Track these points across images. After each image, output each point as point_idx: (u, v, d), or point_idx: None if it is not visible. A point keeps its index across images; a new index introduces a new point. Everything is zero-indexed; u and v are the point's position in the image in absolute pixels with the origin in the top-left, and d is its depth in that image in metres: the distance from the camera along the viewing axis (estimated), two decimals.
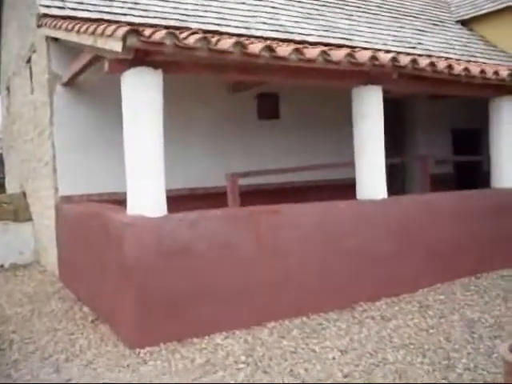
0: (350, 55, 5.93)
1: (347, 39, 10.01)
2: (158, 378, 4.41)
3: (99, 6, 7.72)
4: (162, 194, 5.26)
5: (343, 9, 11.42)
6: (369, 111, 6.56)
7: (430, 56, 10.01)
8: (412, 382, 4.12)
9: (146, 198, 5.20)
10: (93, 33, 5.36)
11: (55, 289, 7.43)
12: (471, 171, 12.30)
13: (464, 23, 13.71)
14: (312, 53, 5.70)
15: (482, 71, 7.09)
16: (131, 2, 8.17)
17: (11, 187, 12.56)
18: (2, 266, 9.20)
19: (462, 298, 6.27)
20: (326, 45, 8.18)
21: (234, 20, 8.96)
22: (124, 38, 4.66)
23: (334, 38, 9.84)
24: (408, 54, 8.73)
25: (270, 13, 9.76)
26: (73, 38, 6.11)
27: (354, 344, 4.95)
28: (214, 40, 5.12)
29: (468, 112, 11.73)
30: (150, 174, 5.18)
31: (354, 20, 11.13)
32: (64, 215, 7.37)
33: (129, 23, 6.65)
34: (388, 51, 8.50)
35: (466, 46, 12.46)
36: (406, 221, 6.78)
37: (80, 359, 4.88)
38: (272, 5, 10.15)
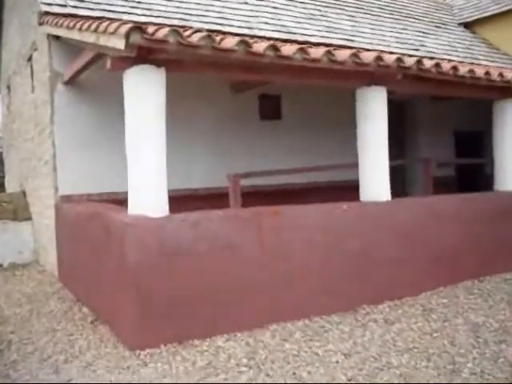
0: (355, 55, 5.87)
1: (350, 40, 9.95)
2: (158, 380, 4.34)
3: (101, 4, 7.66)
4: (163, 193, 5.19)
5: (345, 10, 11.38)
6: (373, 112, 6.50)
7: (432, 58, 9.95)
8: None
9: (148, 197, 5.14)
10: (95, 30, 5.30)
11: (54, 289, 7.35)
12: (473, 174, 12.26)
13: (467, 26, 13.67)
14: (317, 52, 5.64)
15: (487, 73, 7.04)
16: (134, 1, 8.12)
17: (11, 186, 12.50)
18: (1, 265, 9.12)
19: (465, 302, 6.20)
20: (328, 46, 8.11)
21: (237, 20, 8.91)
22: (127, 35, 4.59)
23: (336, 38, 9.79)
24: (411, 55, 8.67)
25: (272, 13, 9.71)
26: (75, 35, 6.05)
27: (357, 347, 4.88)
28: (218, 38, 5.05)
29: (471, 114, 11.70)
30: (152, 174, 5.11)
31: (357, 21, 11.08)
32: (64, 215, 7.31)
33: (131, 22, 6.59)
34: (391, 53, 8.43)
35: (469, 49, 12.42)
36: (409, 223, 6.71)
37: (79, 360, 4.81)
38: (274, 5, 10.10)
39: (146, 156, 5.08)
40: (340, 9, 11.30)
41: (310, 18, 10.22)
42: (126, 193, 5.37)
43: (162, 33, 4.75)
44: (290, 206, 6.01)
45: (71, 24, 6.14)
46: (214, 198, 7.33)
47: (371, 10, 11.97)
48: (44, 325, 5.86)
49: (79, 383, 4.37)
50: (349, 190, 7.08)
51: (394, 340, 5.05)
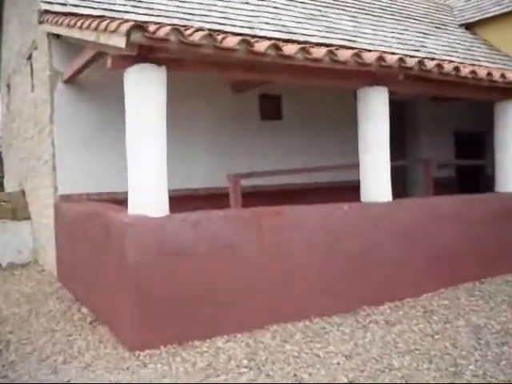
0: (357, 55, 5.84)
1: (350, 41, 9.93)
2: (158, 381, 4.30)
3: (102, 3, 7.64)
4: (164, 193, 5.16)
5: (346, 10, 11.36)
6: (374, 112, 6.47)
7: (433, 59, 9.92)
8: None
9: (148, 197, 5.10)
10: (96, 28, 5.26)
11: (53, 289, 7.32)
12: (474, 175, 12.24)
13: (467, 27, 13.65)
14: (318, 52, 5.61)
15: (489, 74, 7.01)
16: (135, 0, 8.09)
17: (10, 186, 12.46)
18: (0, 265, 9.08)
19: (466, 304, 6.17)
20: (328, 46, 8.07)
21: (239, 20, 8.88)
22: (128, 34, 4.56)
23: (337, 39, 9.76)
24: (412, 56, 8.64)
25: (272, 13, 9.69)
26: (75, 34, 6.02)
27: (358, 349, 4.85)
28: (219, 37, 5.02)
29: (471, 115, 11.68)
30: (153, 173, 5.08)
31: (358, 22, 11.06)
32: (63, 214, 7.27)
33: (132, 20, 6.55)
34: (392, 53, 8.40)
35: (470, 50, 12.40)
36: (410, 224, 6.68)
37: (78, 361, 4.77)
38: (274, 5, 10.08)
39: (146, 155, 5.04)
40: (340, 9, 11.29)
41: (311, 19, 10.20)
42: (126, 193, 5.34)
43: (163, 31, 4.72)
44: (291, 207, 5.98)
45: (72, 22, 6.11)
46: (214, 198, 7.30)
47: (372, 11, 11.96)
48: (43, 325, 5.82)
49: (78, 383, 4.33)
50: (349, 191, 7.06)
51: (395, 342, 5.02)
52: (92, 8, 7.40)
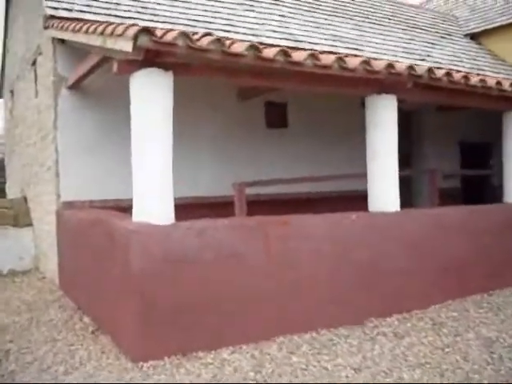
0: (366, 63, 5.76)
1: (357, 49, 9.87)
2: None
3: (107, 9, 7.61)
4: (169, 200, 5.05)
5: (352, 19, 11.33)
6: (382, 120, 6.38)
7: (439, 68, 9.85)
8: None
9: (153, 204, 5.00)
10: (102, 33, 5.18)
11: (55, 297, 7.20)
12: (479, 185, 12.14)
13: (472, 37, 13.63)
14: (327, 59, 5.53)
15: (498, 82, 6.94)
16: (140, 6, 8.06)
17: (12, 192, 12.37)
18: (1, 272, 8.97)
19: (476, 316, 6.05)
20: (335, 54, 8.03)
21: (243, 27, 8.83)
22: (135, 38, 4.47)
23: (343, 47, 9.71)
24: (417, 65, 8.54)
25: (278, 21, 9.65)
26: (80, 38, 5.94)
27: (367, 362, 4.73)
28: (227, 42, 4.94)
29: (477, 125, 11.62)
30: (158, 179, 4.98)
31: (364, 31, 11.02)
32: (65, 221, 7.17)
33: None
34: (398, 63, 8.33)
35: (475, 60, 12.35)
36: (418, 234, 6.57)
37: (80, 372, 4.65)
38: (280, 13, 10.04)
39: (151, 161, 4.94)
40: (347, 18, 11.26)
41: (317, 27, 10.15)
42: (130, 200, 5.24)
43: (170, 36, 4.64)
44: (298, 216, 5.89)
45: (77, 27, 6.04)
46: (219, 206, 7.22)
47: (378, 20, 11.93)
48: (44, 334, 5.70)
49: None
50: (356, 200, 6.96)
51: (405, 355, 4.90)
52: (97, 14, 7.36)
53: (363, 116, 6.65)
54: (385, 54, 10.25)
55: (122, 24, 5.01)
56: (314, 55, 5.41)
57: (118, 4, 7.84)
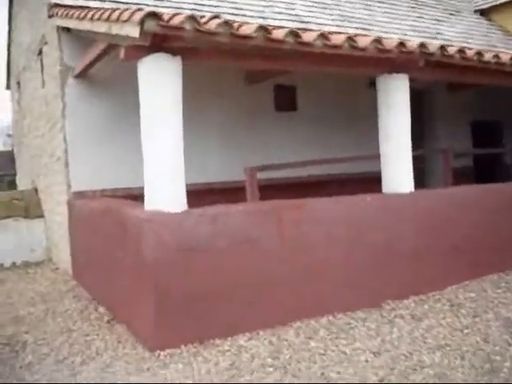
0: (377, 41, 5.64)
1: (365, 29, 9.70)
2: (180, 382, 4.15)
3: None
4: (181, 187, 4.99)
5: None
6: (395, 101, 6.26)
7: (450, 46, 9.69)
8: None
9: (165, 191, 4.94)
10: (107, 19, 5.10)
11: (69, 287, 7.19)
12: (491, 164, 11.99)
13: (482, 13, 13.36)
14: (338, 38, 5.42)
15: None
16: None
17: (22, 183, 12.36)
18: (14, 263, 8.98)
19: (494, 296, 5.96)
20: (344, 35, 7.89)
21: (250, 10, 8.69)
22: (141, 22, 4.39)
23: (351, 28, 9.54)
24: (429, 43, 8.40)
25: (285, 3, 9.49)
26: (86, 26, 5.86)
27: (386, 345, 4.67)
28: (235, 25, 4.84)
29: (488, 104, 11.43)
30: (169, 167, 4.91)
31: (371, 10, 10.82)
32: (77, 211, 7.14)
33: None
34: (409, 41, 8.19)
35: (486, 36, 12.13)
36: (433, 215, 6.48)
37: (97, 362, 4.63)
38: None
39: (162, 147, 4.88)
40: None
41: (325, 8, 9.99)
42: (141, 188, 5.19)
43: (177, 19, 4.54)
44: (312, 199, 5.81)
45: (82, 14, 5.95)
46: (229, 192, 7.13)
47: None
48: (59, 325, 5.69)
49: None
50: (367, 182, 6.88)
51: (424, 337, 4.83)
52: (102, 1, 7.25)
53: (372, 97, 6.53)
54: (394, 33, 10.06)
55: (127, 9, 4.91)
56: (323, 35, 5.31)
57: None
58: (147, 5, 7.49)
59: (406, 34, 10.18)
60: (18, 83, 11.93)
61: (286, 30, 5.16)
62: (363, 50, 5.59)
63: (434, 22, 11.69)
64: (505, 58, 6.73)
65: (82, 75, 7.13)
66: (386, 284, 5.95)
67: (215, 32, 4.69)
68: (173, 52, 4.81)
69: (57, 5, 7.00)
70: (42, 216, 9.52)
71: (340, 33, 8.17)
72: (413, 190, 6.42)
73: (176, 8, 7.76)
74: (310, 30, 8.29)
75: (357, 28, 9.57)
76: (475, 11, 13.36)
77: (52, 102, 7.97)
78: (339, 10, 10.18)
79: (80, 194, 7.20)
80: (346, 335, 4.95)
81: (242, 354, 4.59)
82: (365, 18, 10.24)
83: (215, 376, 4.20)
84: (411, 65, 6.20)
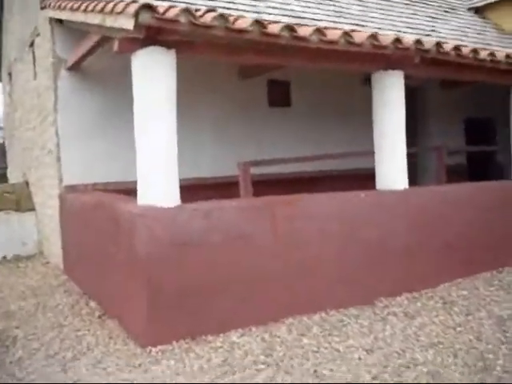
0: (373, 37, 5.62)
1: (360, 25, 9.65)
2: (172, 379, 4.11)
3: None
4: (175, 182, 4.95)
5: None
6: (390, 98, 6.24)
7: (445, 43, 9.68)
8: None
9: (158, 186, 4.89)
10: (101, 10, 5.03)
11: (60, 281, 7.13)
12: (484, 162, 12.01)
13: (477, 10, 13.34)
14: (334, 34, 5.40)
15: (508, 56, 6.78)
16: None
17: (13, 177, 12.26)
18: (5, 257, 8.90)
19: (486, 294, 5.97)
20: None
21: (243, 4, 8.62)
22: (136, 15, 4.33)
23: (346, 23, 9.49)
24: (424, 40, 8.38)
25: None
26: (79, 17, 5.78)
27: (379, 343, 4.66)
28: (231, 18, 4.79)
29: (481, 101, 11.44)
30: (163, 162, 4.86)
31: (366, 6, 10.77)
32: (68, 205, 7.07)
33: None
34: (405, 37, 8.16)
35: (480, 34, 12.10)
36: (426, 212, 6.47)
37: (88, 358, 4.59)
38: None
39: (156, 142, 4.83)
40: None
41: (319, 3, 9.91)
42: (134, 182, 5.14)
43: (173, 12, 4.49)
44: (305, 195, 5.78)
45: (75, 6, 5.87)
46: (222, 187, 7.10)
47: None
48: (50, 319, 5.64)
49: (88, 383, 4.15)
50: (360, 179, 6.84)
51: (417, 335, 4.83)
52: None
53: (366, 93, 6.50)
54: (389, 29, 10.02)
55: (122, 1, 4.84)
56: (319, 30, 5.28)
57: None
58: None
59: (400, 31, 10.13)
60: (10, 75, 11.82)
61: (282, 24, 5.12)
62: (359, 45, 5.56)
63: (428, 19, 11.65)
64: (500, 55, 6.72)
65: (75, 68, 7.05)
66: (379, 281, 5.94)
67: (210, 25, 4.65)
68: (167, 45, 4.76)
69: None
70: (33, 209, 9.45)
71: (336, 28, 8.15)
72: (407, 187, 6.41)
73: (171, 1, 7.66)
74: (305, 25, 8.27)
75: (352, 24, 9.51)
76: (469, 9, 13.34)
77: (44, 94, 7.89)
78: (334, 5, 10.11)
79: (71, 188, 7.12)
80: (339, 332, 4.93)
81: (235, 351, 4.56)
82: (360, 15, 10.19)
83: (207, 373, 4.17)
84: (407, 61, 6.18)
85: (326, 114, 9.40)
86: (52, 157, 7.54)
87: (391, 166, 6.32)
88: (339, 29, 7.79)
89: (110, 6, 4.83)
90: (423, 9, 12.16)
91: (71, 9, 5.97)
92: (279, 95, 8.99)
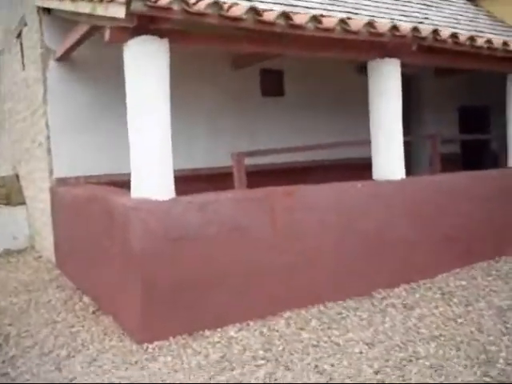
0: (370, 25, 5.51)
1: (353, 13, 9.52)
2: (170, 376, 4.03)
3: None
4: (169, 174, 4.84)
5: None
6: (387, 87, 6.14)
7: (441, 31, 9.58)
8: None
9: (152, 179, 4.77)
10: None
11: (52, 276, 7.01)
12: (479, 150, 11.96)
13: None
14: (330, 21, 5.28)
15: (505, 43, 6.69)
16: None
17: (3, 169, 12.04)
18: None
19: (485, 284, 5.92)
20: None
21: None
22: (128, 2, 4.19)
23: (339, 11, 9.36)
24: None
25: None
26: (67, 6, 5.62)
27: (379, 336, 4.58)
28: (225, 6, 4.66)
29: (476, 90, 11.37)
30: (157, 154, 4.74)
31: None
32: (60, 198, 6.94)
33: None
34: (401, 25, 8.05)
35: (473, 21, 12.00)
36: (424, 202, 6.40)
37: (83, 355, 4.49)
38: None
39: (149, 133, 4.70)
40: None
41: None
42: (126, 175, 5.02)
43: (165, 0, 4.35)
44: (303, 186, 5.68)
45: None
46: (217, 178, 6.99)
47: None
48: (43, 316, 5.53)
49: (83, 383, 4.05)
50: (354, 168, 6.81)
51: (417, 327, 4.76)
52: None
53: (361, 82, 6.40)
54: (382, 17, 9.90)
55: None
56: (315, 18, 5.16)
57: None
58: None
59: (393, 19, 10.01)
60: None
61: (278, 12, 4.99)
62: (356, 33, 5.46)
63: (421, 6, 11.53)
64: (497, 43, 6.63)
65: (65, 58, 6.89)
66: (377, 272, 5.88)
67: (204, 13, 4.51)
68: (160, 34, 4.63)
69: None
70: (24, 203, 9.30)
71: (331, 16, 8.03)
72: (404, 177, 6.33)
73: None
74: (298, 13, 8.14)
75: (345, 12, 9.37)
76: None
77: (33, 85, 7.73)
78: None
79: (63, 181, 6.99)
80: (338, 325, 4.86)
81: (233, 346, 4.48)
82: (352, 2, 10.06)
83: (206, 369, 4.09)
84: (404, 49, 6.09)
85: (320, 102, 9.29)
86: (42, 149, 7.39)
87: (388, 156, 6.23)
88: (335, 17, 7.69)
89: None
90: None
91: None
92: (272, 84, 8.85)
